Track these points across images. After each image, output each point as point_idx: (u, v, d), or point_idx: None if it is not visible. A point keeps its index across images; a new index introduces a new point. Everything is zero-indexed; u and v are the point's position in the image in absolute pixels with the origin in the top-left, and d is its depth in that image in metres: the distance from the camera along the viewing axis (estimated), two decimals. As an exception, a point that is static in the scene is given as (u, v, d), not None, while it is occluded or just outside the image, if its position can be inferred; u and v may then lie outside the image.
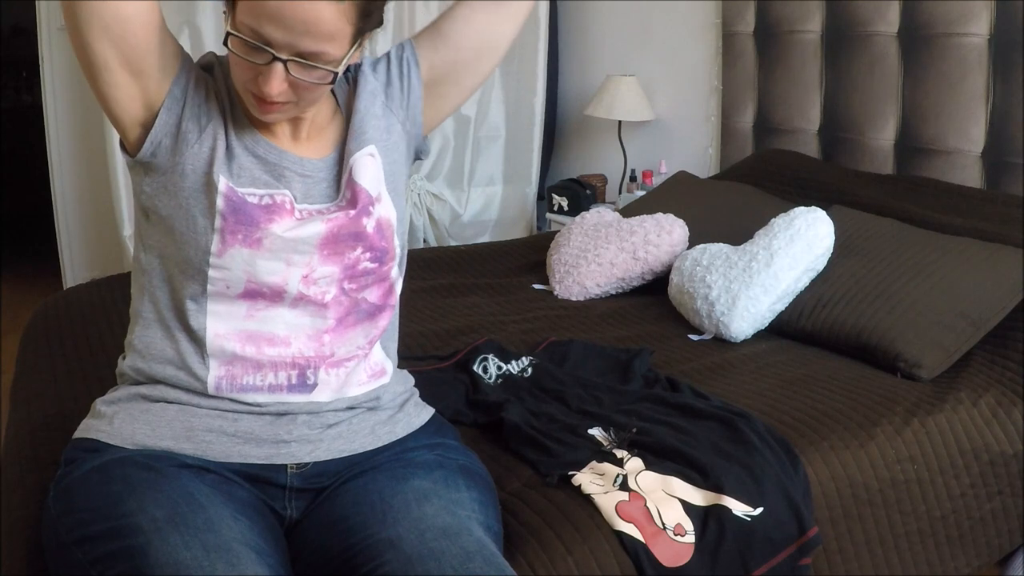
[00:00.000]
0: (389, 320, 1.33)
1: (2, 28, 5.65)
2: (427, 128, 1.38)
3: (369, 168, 1.26)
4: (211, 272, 1.18)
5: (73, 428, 1.28)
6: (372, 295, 1.28)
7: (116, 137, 3.32)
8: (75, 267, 3.66)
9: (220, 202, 1.17)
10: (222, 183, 1.17)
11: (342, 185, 1.25)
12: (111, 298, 2.37)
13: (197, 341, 1.22)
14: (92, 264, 3.66)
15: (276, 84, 1.12)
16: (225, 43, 1.12)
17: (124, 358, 1.28)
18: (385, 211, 1.26)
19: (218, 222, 1.17)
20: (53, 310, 2.37)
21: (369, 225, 1.24)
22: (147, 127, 1.19)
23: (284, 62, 1.11)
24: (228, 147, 1.21)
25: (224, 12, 1.14)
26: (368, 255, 1.25)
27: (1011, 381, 1.91)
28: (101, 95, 1.16)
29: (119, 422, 1.21)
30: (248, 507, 1.17)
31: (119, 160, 3.39)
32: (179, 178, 1.18)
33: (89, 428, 1.24)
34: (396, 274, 1.32)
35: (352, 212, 1.23)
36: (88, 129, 3.53)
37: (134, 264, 1.28)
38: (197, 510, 1.09)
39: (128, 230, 3.44)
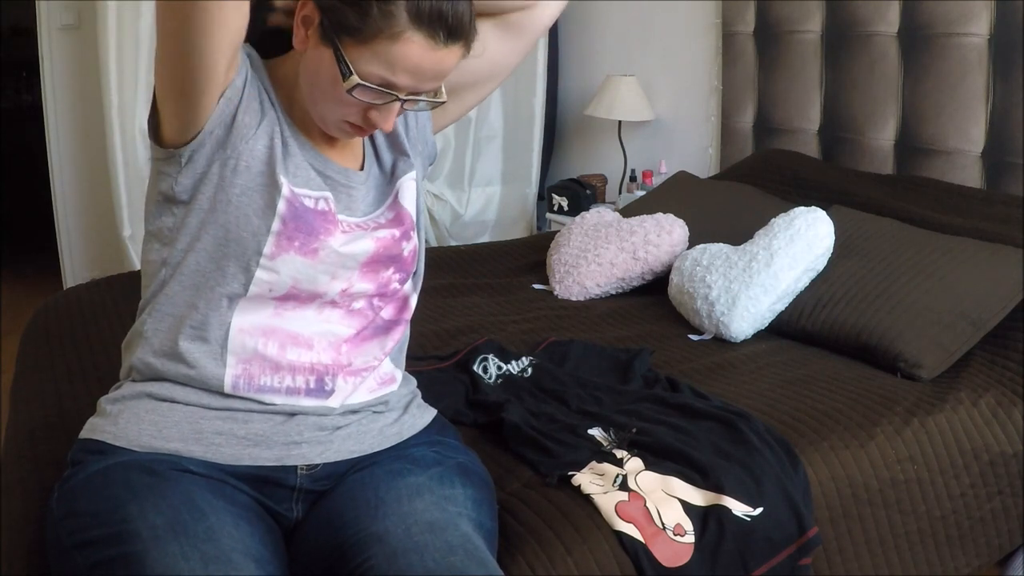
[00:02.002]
0: (402, 333, 1.35)
1: (2, 28, 5.65)
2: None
3: (412, 192, 1.31)
4: (259, 273, 1.17)
5: (73, 428, 1.27)
6: (388, 312, 1.31)
7: (117, 137, 3.36)
8: (75, 267, 3.66)
9: (282, 206, 1.16)
10: (286, 187, 1.17)
11: (384, 202, 1.29)
12: (111, 298, 2.37)
13: (218, 338, 1.20)
14: (92, 264, 3.66)
15: (393, 121, 1.17)
16: (350, 92, 1.11)
17: (133, 351, 1.25)
18: (418, 237, 1.31)
19: (276, 225, 1.16)
20: (53, 310, 2.37)
21: (407, 249, 1.28)
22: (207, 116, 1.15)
23: (403, 101, 1.15)
24: (284, 144, 1.20)
25: (337, 60, 1.11)
26: (398, 276, 1.29)
27: (1011, 381, 1.91)
28: (194, 106, 1.11)
29: (124, 422, 1.20)
30: (250, 512, 1.16)
31: (119, 160, 3.39)
32: (231, 173, 1.16)
33: (95, 428, 1.23)
34: (411, 288, 1.34)
35: (397, 232, 1.27)
36: (88, 129, 3.53)
37: (148, 257, 1.24)
38: (199, 518, 1.08)
39: (128, 230, 3.44)
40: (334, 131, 1.21)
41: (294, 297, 1.21)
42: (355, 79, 1.10)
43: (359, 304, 1.26)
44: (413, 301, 1.36)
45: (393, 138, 1.34)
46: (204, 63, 1.08)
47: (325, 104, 1.17)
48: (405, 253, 1.28)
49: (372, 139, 1.33)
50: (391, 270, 1.27)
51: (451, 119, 1.43)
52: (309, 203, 1.19)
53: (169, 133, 1.16)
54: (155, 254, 1.22)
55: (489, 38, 1.32)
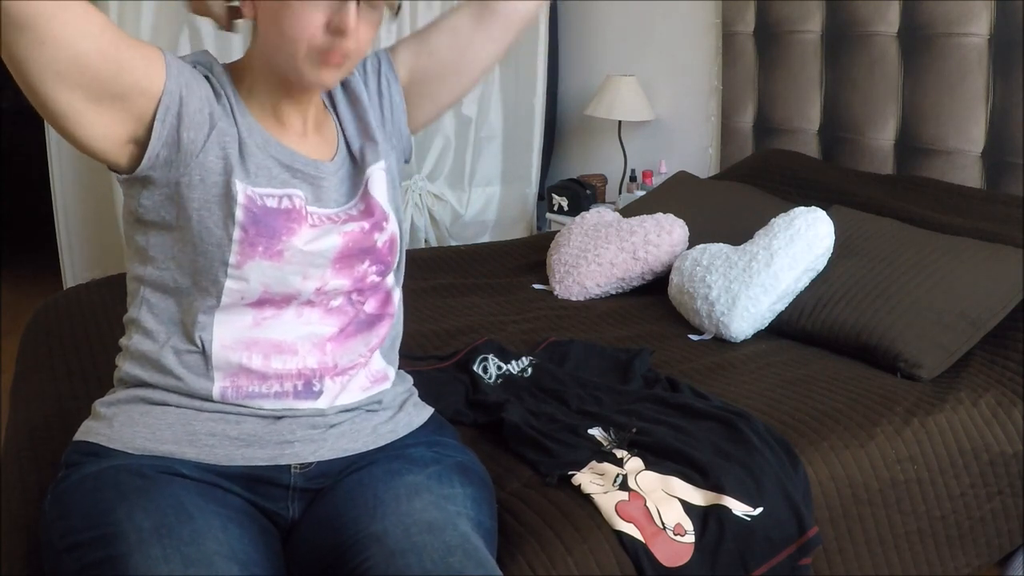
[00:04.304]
0: (389, 329, 1.34)
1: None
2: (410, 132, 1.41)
3: (382, 183, 1.29)
4: (228, 283, 1.17)
5: (73, 428, 1.27)
6: (370, 306, 1.30)
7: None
8: (75, 267, 3.65)
9: (240, 213, 1.15)
10: (240, 192, 1.16)
11: (356, 193, 1.28)
12: (111, 298, 2.37)
13: (202, 354, 1.20)
14: (92, 264, 3.66)
15: (354, 19, 1.12)
16: None
17: (121, 363, 1.27)
18: (393, 227, 1.29)
19: (237, 233, 1.15)
20: (53, 310, 2.37)
21: (380, 240, 1.27)
22: (140, 142, 1.14)
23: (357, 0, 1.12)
24: (241, 146, 1.19)
25: None
26: (375, 268, 1.27)
27: (1011, 381, 1.92)
28: (76, 138, 1.09)
29: (119, 425, 1.21)
30: (241, 514, 1.16)
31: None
32: (186, 189, 1.15)
33: (89, 431, 1.23)
34: (392, 282, 1.33)
35: (367, 225, 1.25)
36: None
37: (131, 272, 1.25)
38: (185, 520, 1.08)
39: (128, 230, 3.43)
40: (312, 73, 1.16)
41: (268, 302, 1.20)
42: None
43: (337, 302, 1.25)
44: (396, 295, 1.35)
45: (363, 124, 1.32)
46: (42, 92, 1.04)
47: (289, 46, 1.14)
48: (379, 244, 1.26)
49: (343, 128, 1.32)
50: (366, 263, 1.26)
51: (427, 118, 1.41)
52: (272, 203, 1.18)
53: (100, 146, 1.14)
54: (135, 270, 1.23)
55: (463, 23, 1.33)
